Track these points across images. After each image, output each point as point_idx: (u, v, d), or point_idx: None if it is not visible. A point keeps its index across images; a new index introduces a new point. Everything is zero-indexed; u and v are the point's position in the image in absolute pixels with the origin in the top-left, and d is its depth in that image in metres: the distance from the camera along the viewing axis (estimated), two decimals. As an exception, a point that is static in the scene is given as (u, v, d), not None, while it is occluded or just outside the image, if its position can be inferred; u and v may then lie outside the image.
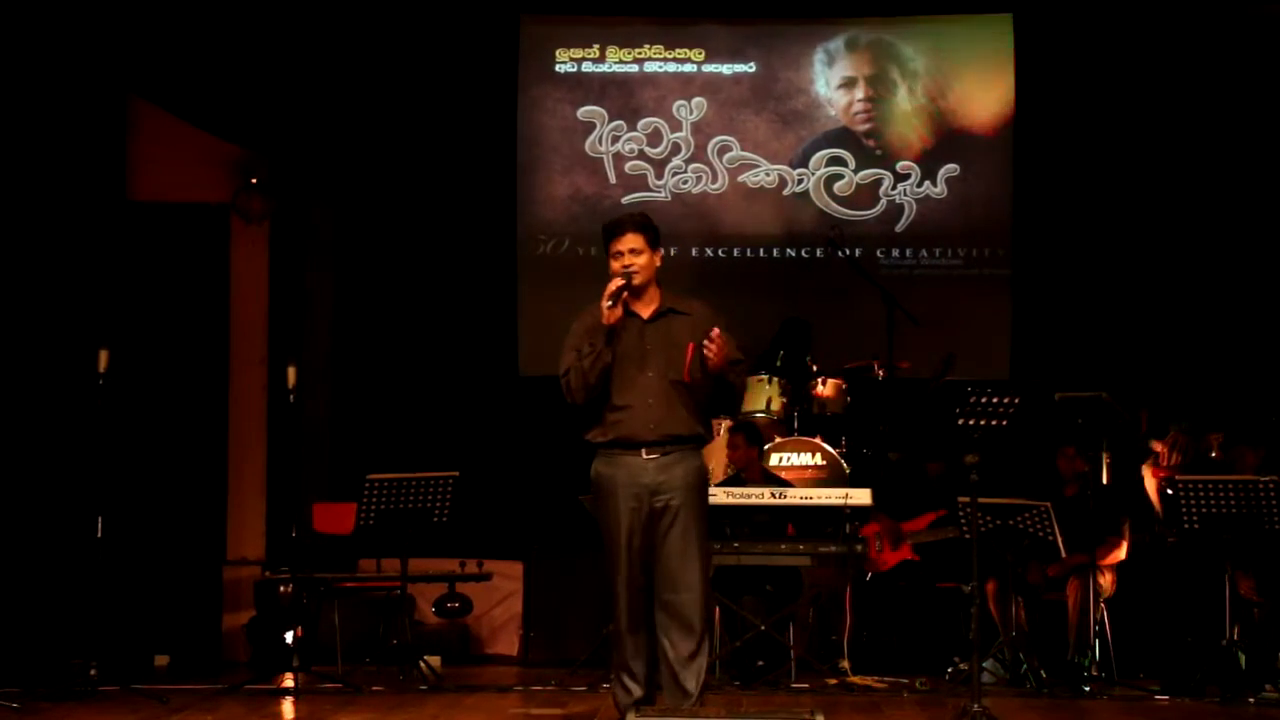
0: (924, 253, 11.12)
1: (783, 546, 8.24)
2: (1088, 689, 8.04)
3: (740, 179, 11.18)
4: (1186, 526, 7.90)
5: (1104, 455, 9.09)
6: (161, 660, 9.40)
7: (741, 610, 8.42)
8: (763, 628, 8.29)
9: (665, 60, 11.25)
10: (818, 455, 9.65)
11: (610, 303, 5.97)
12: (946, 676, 8.50)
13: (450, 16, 10.90)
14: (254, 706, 7.45)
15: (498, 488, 10.31)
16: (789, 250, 11.19)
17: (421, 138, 11.01)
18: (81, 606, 7.94)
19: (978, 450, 6.73)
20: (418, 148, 11.01)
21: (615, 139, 11.22)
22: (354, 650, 9.07)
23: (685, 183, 11.20)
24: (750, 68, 11.24)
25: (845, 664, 8.41)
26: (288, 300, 10.54)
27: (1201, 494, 7.85)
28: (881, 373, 9.95)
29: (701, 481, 6.13)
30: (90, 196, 9.83)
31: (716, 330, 5.93)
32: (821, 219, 11.02)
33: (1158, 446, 8.99)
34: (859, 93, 11.20)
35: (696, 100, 11.21)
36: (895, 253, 11.12)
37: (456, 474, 8.30)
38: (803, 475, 9.52)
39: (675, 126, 11.21)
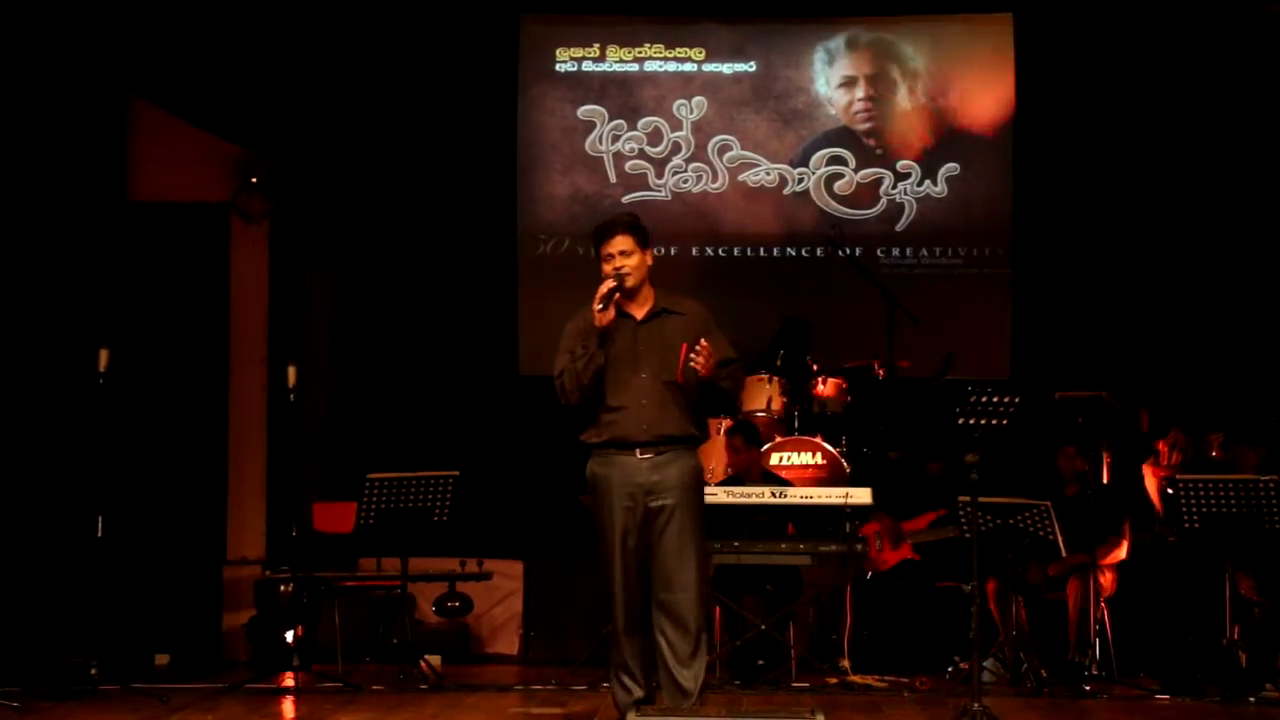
0: (924, 252, 11.11)
1: (783, 546, 8.24)
2: (1088, 688, 8.05)
3: (740, 178, 11.18)
4: (1187, 526, 7.89)
5: (1104, 455, 9.10)
6: (162, 659, 9.38)
7: (742, 610, 8.42)
8: (763, 627, 8.29)
9: (665, 59, 11.25)
10: (818, 455, 9.64)
11: (601, 305, 5.97)
12: (947, 676, 8.50)
13: (450, 16, 10.90)
14: (254, 706, 7.45)
15: (498, 487, 10.32)
16: (789, 249, 11.18)
17: (421, 137, 11.02)
18: (82, 606, 7.93)
19: (978, 449, 6.72)
20: (417, 147, 11.01)
21: (615, 138, 11.22)
22: (354, 649, 9.06)
23: (685, 182, 11.20)
24: (750, 67, 11.23)
25: (845, 663, 8.40)
26: (288, 300, 10.53)
27: (1202, 493, 7.84)
28: (882, 372, 9.94)
29: (697, 481, 6.12)
30: (90, 196, 9.81)
31: (704, 342, 5.91)
32: (822, 218, 11.02)
33: (1162, 446, 9.00)
34: (859, 92, 11.19)
35: (697, 99, 11.20)
36: (895, 252, 11.11)
37: (456, 473, 8.31)
38: (803, 475, 9.51)
39: (675, 126, 11.21)
